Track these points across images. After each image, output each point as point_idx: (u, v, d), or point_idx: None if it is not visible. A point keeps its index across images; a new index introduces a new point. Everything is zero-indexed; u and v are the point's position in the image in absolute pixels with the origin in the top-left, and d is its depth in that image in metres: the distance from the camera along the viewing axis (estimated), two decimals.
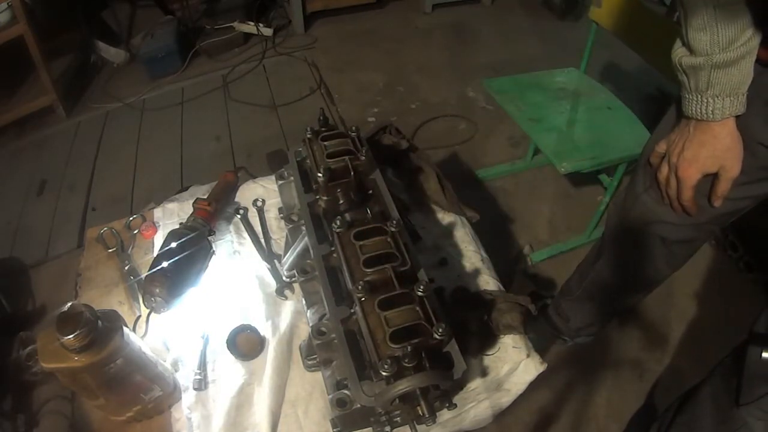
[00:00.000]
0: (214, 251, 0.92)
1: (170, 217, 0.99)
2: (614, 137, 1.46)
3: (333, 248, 0.74)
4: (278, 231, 0.95)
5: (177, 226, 0.90)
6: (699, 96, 0.68)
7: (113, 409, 0.70)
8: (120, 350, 0.61)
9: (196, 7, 2.82)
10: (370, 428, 0.68)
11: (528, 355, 0.78)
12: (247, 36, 2.73)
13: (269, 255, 0.87)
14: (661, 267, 1.00)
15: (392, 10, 3.00)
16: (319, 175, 0.76)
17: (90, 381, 0.61)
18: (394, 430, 0.67)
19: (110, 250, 0.94)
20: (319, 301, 0.78)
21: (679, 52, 0.68)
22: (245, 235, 0.89)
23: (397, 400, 0.59)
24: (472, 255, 0.92)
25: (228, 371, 0.77)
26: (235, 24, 2.66)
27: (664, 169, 0.79)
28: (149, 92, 2.46)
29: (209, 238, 0.91)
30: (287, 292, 0.86)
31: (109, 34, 2.64)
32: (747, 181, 0.77)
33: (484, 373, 0.76)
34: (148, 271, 0.83)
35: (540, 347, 0.83)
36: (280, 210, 0.94)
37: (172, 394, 0.74)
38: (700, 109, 0.68)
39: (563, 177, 1.90)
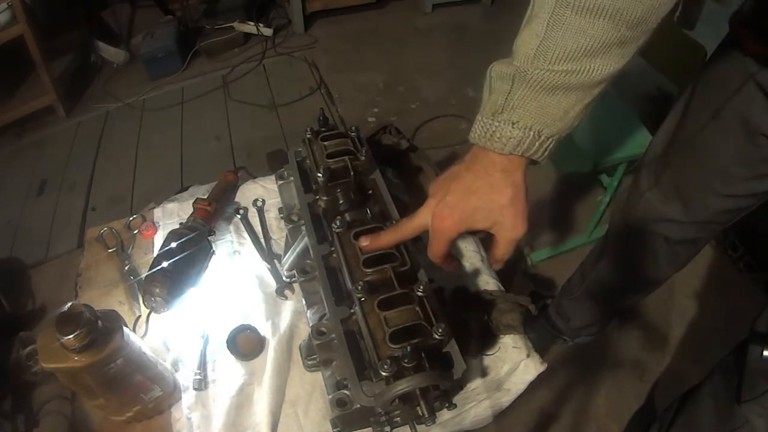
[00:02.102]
0: (214, 251, 0.92)
1: (170, 217, 0.99)
2: (614, 137, 1.46)
3: (333, 248, 0.74)
4: (278, 231, 0.95)
5: (177, 226, 0.90)
6: (492, 118, 0.49)
7: (113, 409, 0.70)
8: (120, 350, 0.61)
9: (196, 7, 2.82)
10: (370, 428, 0.68)
11: (528, 355, 0.78)
12: (247, 36, 2.73)
13: (269, 255, 0.87)
14: (663, 267, 1.00)
15: (392, 10, 3.00)
16: (319, 175, 0.76)
17: (90, 381, 0.61)
18: (394, 430, 0.67)
19: (110, 250, 0.94)
20: (319, 301, 0.78)
21: (496, 61, 0.51)
22: (245, 235, 0.89)
23: (397, 400, 0.59)
24: (472, 255, 0.92)
25: (228, 371, 0.77)
26: (235, 24, 2.66)
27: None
28: (149, 92, 2.46)
29: (209, 238, 0.91)
30: (287, 292, 0.86)
31: (109, 34, 2.64)
32: (751, 176, 0.76)
33: (484, 373, 0.76)
34: (148, 271, 0.83)
35: (540, 347, 0.83)
36: (280, 210, 0.94)
37: (172, 394, 0.74)
38: (484, 131, 0.49)
39: (563, 177, 1.90)
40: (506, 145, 0.49)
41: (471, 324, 0.79)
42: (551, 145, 0.49)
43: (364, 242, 0.66)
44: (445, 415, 0.71)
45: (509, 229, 0.53)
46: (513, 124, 0.48)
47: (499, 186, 0.51)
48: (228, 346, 0.79)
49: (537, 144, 0.49)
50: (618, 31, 0.43)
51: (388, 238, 0.64)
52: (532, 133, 0.48)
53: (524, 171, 0.51)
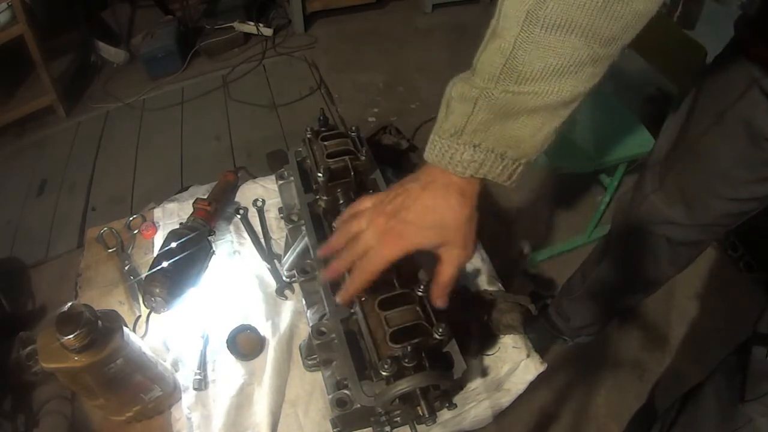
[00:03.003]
0: (214, 251, 0.92)
1: (170, 217, 0.99)
2: (614, 138, 1.46)
3: None
4: (278, 231, 0.95)
5: (177, 226, 0.90)
6: (451, 140, 0.47)
7: (113, 409, 0.70)
8: (120, 350, 0.61)
9: (196, 7, 2.81)
10: (370, 428, 0.68)
11: (528, 355, 0.78)
12: (247, 36, 2.73)
13: (269, 255, 0.87)
14: (665, 268, 1.00)
15: (392, 10, 3.00)
16: (319, 175, 0.76)
17: (90, 381, 0.61)
18: (394, 430, 0.67)
19: (110, 250, 0.94)
20: (319, 301, 0.78)
21: (455, 79, 0.49)
22: (245, 235, 0.89)
23: (397, 400, 0.59)
24: None
25: (228, 371, 0.77)
26: (235, 24, 2.66)
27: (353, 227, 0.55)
28: (149, 92, 2.46)
29: (209, 238, 0.91)
30: (287, 292, 0.86)
31: (109, 34, 2.64)
32: (754, 180, 0.76)
33: (484, 373, 0.76)
34: (148, 271, 0.83)
35: (540, 347, 0.83)
36: (280, 210, 0.94)
37: (172, 394, 0.74)
38: (443, 152, 0.48)
39: (563, 177, 1.90)
40: (467, 169, 0.47)
41: (471, 324, 0.79)
42: (518, 168, 0.48)
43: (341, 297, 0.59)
44: (445, 415, 0.71)
45: (460, 247, 0.51)
46: (474, 147, 0.46)
47: (456, 206, 0.49)
48: (228, 346, 0.79)
49: (500, 167, 0.47)
50: (590, 48, 0.41)
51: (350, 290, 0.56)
52: (493, 155, 0.46)
53: (479, 192, 0.50)
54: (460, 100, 0.47)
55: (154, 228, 0.97)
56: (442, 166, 0.49)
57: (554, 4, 0.39)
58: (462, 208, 0.50)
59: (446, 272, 0.52)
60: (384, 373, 0.56)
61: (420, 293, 0.63)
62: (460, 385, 0.74)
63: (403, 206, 0.51)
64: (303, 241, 0.82)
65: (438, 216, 0.50)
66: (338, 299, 0.59)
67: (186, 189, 1.09)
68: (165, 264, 0.82)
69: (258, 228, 0.90)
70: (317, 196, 0.82)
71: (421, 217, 0.50)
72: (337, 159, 0.78)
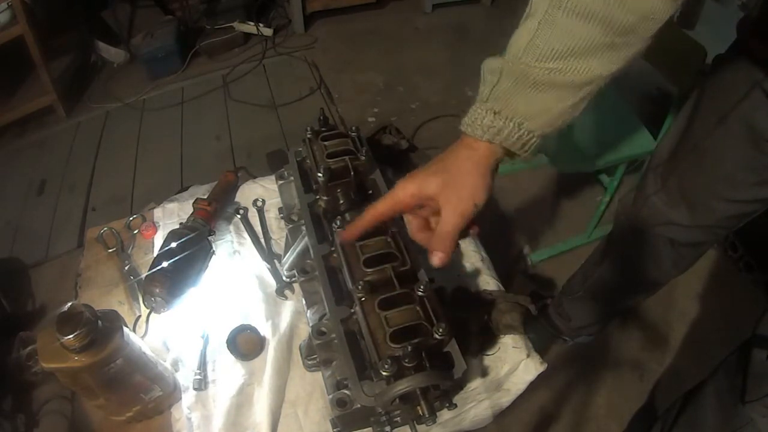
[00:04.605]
0: (214, 251, 0.92)
1: (170, 217, 0.99)
2: (614, 138, 1.46)
3: (333, 248, 0.74)
4: (278, 231, 0.95)
5: (177, 226, 0.90)
6: (477, 105, 0.51)
7: (113, 409, 0.70)
8: (120, 350, 0.61)
9: (196, 7, 2.81)
10: (370, 428, 0.68)
11: (528, 355, 0.78)
12: (247, 36, 2.73)
13: (269, 255, 0.87)
14: (667, 269, 1.00)
15: (392, 10, 3.00)
16: (319, 175, 0.76)
17: (90, 381, 0.61)
18: (394, 430, 0.67)
19: (110, 250, 0.94)
20: (319, 301, 0.78)
21: (490, 56, 0.53)
22: (245, 235, 0.89)
23: (397, 400, 0.59)
24: (472, 255, 0.92)
25: (228, 371, 0.77)
26: (235, 24, 2.66)
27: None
28: (149, 92, 2.46)
29: (209, 238, 0.91)
30: (287, 292, 0.86)
31: (109, 34, 2.64)
32: (756, 182, 0.77)
33: (484, 373, 0.76)
34: (148, 271, 0.83)
35: (540, 347, 0.83)
36: (280, 210, 0.94)
37: (172, 394, 0.74)
38: (470, 118, 0.51)
39: (563, 177, 1.90)
40: (486, 133, 0.49)
41: (471, 324, 0.79)
42: (533, 140, 0.50)
43: (342, 235, 0.62)
44: (445, 415, 0.71)
45: (461, 196, 0.50)
46: (495, 113, 0.49)
47: (465, 158, 0.51)
48: (228, 346, 0.79)
49: (516, 135, 0.49)
50: (606, 36, 0.44)
51: (362, 221, 0.59)
52: (511, 123, 0.49)
53: (496, 160, 0.51)
54: (489, 72, 0.51)
55: (154, 228, 0.97)
56: (465, 130, 0.51)
57: None
58: (470, 162, 0.51)
59: (445, 219, 0.51)
60: (384, 373, 0.56)
61: (420, 293, 0.63)
62: (460, 385, 0.74)
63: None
64: (303, 241, 0.82)
65: (442, 163, 0.52)
66: (342, 236, 0.62)
67: (186, 189, 1.09)
68: (165, 264, 0.82)
69: (258, 228, 0.90)
70: (317, 196, 0.82)
71: (426, 168, 0.54)
72: (337, 159, 0.78)
